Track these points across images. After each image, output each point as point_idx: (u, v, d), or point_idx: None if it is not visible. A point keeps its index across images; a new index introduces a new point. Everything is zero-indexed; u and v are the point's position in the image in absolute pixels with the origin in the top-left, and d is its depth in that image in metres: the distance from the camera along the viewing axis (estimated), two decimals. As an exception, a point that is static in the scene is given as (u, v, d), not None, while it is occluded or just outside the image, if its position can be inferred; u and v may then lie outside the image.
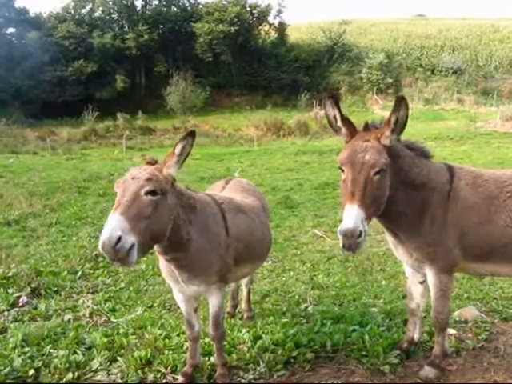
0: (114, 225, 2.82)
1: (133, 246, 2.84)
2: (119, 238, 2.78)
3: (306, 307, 5.41)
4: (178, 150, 3.19)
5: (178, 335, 4.47)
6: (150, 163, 3.26)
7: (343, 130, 3.44)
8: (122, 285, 6.16)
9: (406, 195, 3.58)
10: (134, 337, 4.49)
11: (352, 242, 3.14)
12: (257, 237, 4.06)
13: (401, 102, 3.27)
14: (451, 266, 3.69)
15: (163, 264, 3.64)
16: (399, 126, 3.34)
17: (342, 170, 3.35)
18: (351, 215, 3.13)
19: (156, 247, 3.26)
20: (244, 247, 3.82)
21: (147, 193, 3.00)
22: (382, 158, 3.26)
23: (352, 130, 3.43)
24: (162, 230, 3.12)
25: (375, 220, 3.71)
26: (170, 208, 3.17)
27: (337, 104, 3.40)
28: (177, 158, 3.20)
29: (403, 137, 3.64)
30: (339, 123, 3.43)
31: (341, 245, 3.23)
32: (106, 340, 4.35)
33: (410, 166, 3.58)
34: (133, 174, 3.10)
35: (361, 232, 3.11)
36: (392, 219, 3.69)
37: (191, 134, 3.22)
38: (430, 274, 3.72)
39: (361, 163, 3.24)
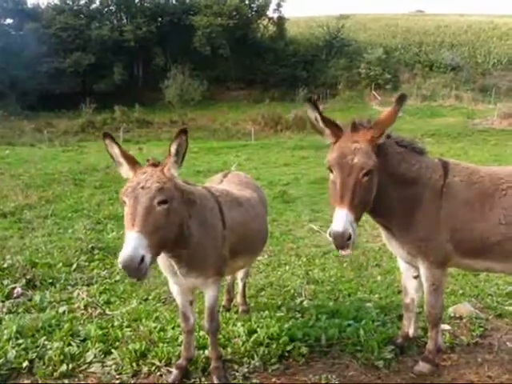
0: (136, 244, 2.80)
1: (151, 261, 2.89)
2: (142, 258, 2.79)
3: (301, 301, 5.41)
4: (173, 149, 3.12)
5: (173, 328, 4.46)
6: (154, 165, 3.16)
7: (327, 131, 3.45)
8: (117, 277, 6.14)
9: (397, 191, 3.60)
10: (129, 329, 4.49)
11: (342, 243, 3.20)
12: (253, 229, 4.06)
13: (402, 99, 3.42)
14: (444, 261, 3.69)
15: (160, 257, 3.62)
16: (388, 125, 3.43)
17: (331, 171, 3.36)
18: (341, 219, 3.18)
19: None
20: (240, 239, 3.81)
21: (160, 203, 2.96)
22: (370, 160, 3.28)
23: (336, 131, 3.43)
24: (172, 234, 3.12)
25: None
26: (177, 210, 3.14)
27: (316, 106, 3.41)
28: (174, 158, 3.14)
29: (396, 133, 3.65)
30: (321, 125, 3.44)
31: (333, 245, 3.30)
32: (100, 332, 4.35)
33: (399, 162, 3.60)
34: (140, 181, 3.00)
35: (350, 235, 3.18)
36: (383, 214, 3.72)
37: (183, 132, 3.13)
38: (423, 269, 3.73)
39: (350, 166, 3.25)
